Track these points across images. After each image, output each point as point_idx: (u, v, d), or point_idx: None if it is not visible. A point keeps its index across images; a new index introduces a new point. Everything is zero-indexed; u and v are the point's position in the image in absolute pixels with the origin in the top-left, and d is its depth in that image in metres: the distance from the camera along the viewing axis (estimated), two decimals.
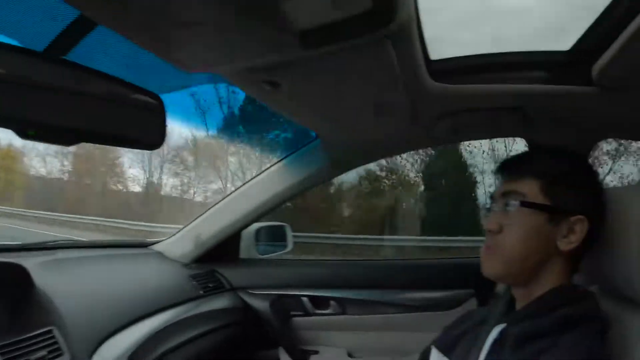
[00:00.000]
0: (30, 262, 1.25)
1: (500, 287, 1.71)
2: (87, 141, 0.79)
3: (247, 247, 2.05)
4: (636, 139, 1.59)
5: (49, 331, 1.07)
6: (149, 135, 0.87)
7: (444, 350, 1.12)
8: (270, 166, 1.83)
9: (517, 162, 1.05)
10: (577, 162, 1.04)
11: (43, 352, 1.01)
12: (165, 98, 0.88)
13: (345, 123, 1.39)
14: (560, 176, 0.97)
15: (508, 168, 1.05)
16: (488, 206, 1.06)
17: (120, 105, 0.83)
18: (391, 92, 1.13)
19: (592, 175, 1.02)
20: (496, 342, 0.95)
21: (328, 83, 1.07)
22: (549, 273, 0.95)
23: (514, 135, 1.67)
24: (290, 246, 2.23)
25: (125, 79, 0.83)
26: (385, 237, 6.50)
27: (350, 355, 1.87)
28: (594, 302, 0.93)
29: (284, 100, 1.11)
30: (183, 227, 1.96)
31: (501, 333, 0.95)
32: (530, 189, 0.95)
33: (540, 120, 1.45)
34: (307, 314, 1.91)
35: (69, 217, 10.04)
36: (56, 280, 1.26)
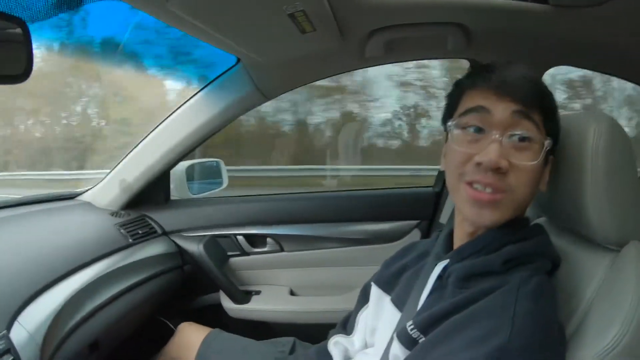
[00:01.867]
0: None
1: (444, 217, 1.69)
2: None
3: (178, 188, 1.96)
4: (590, 67, 1.51)
5: None
6: (12, 67, 0.73)
7: (383, 287, 1.08)
8: (190, 98, 1.70)
9: (531, 78, 0.83)
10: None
11: None
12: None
13: (262, 42, 1.26)
14: (556, 110, 0.86)
15: (521, 82, 0.82)
16: (473, 129, 0.84)
17: None
18: (310, 1, 1.00)
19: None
20: (439, 279, 0.90)
21: None
22: None
23: (455, 56, 1.56)
24: (225, 182, 2.15)
25: None
26: (325, 167, 6.45)
27: (292, 293, 1.85)
28: (543, 237, 0.87)
29: (186, 17, 0.97)
30: (109, 172, 1.84)
31: (444, 270, 0.89)
32: (539, 120, 0.82)
33: (486, 41, 1.36)
34: (243, 253, 1.86)
35: None
36: None
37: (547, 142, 0.82)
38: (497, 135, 0.80)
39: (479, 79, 0.85)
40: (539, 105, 0.82)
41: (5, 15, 0.71)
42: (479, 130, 0.83)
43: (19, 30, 0.73)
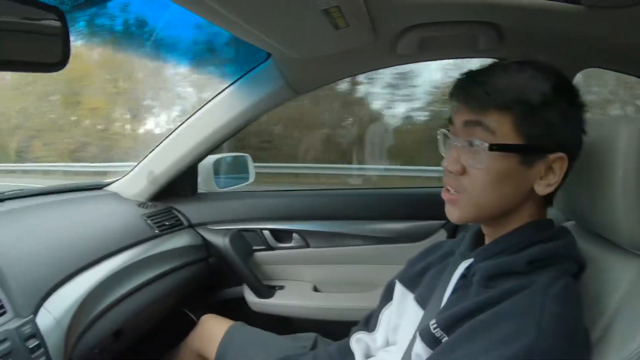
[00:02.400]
0: None
1: None
2: None
3: (205, 181, 1.97)
4: (623, 70, 1.47)
5: None
6: (50, 55, 0.75)
7: (407, 285, 1.08)
8: (220, 92, 1.71)
9: (478, 85, 0.82)
10: (559, 83, 0.82)
11: None
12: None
13: (295, 37, 1.26)
14: (536, 107, 0.79)
15: (467, 93, 0.84)
16: (445, 132, 0.91)
17: (12, 23, 0.70)
18: None
19: (572, 99, 0.84)
20: (463, 277, 0.89)
21: None
22: (523, 211, 0.86)
23: (487, 56, 1.53)
24: (252, 177, 2.16)
25: None
26: (352, 166, 6.43)
27: (316, 289, 1.84)
28: (569, 239, 0.86)
29: (217, 9, 0.97)
30: (137, 164, 1.86)
31: (468, 268, 0.89)
32: (500, 123, 0.80)
33: (519, 40, 1.33)
34: (269, 248, 1.86)
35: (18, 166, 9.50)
36: None
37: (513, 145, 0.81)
38: (454, 142, 0.86)
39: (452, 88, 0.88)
40: (495, 109, 0.80)
41: (45, 5, 0.72)
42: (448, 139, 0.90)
43: (57, 20, 0.74)
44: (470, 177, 0.83)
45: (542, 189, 0.83)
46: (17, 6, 0.68)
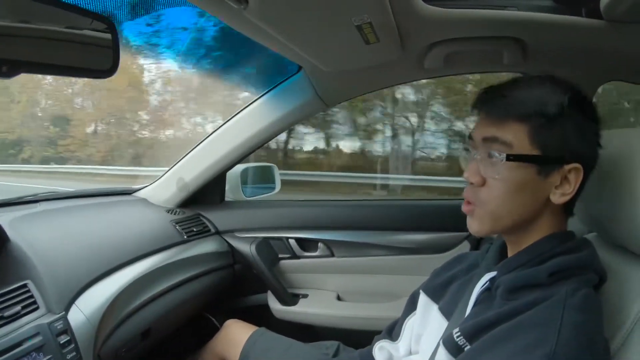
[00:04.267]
0: (7, 217, 1.23)
1: None
2: (27, 72, 0.70)
3: (233, 189, 2.00)
4: None
5: (24, 285, 1.05)
6: (100, 62, 0.79)
7: (432, 295, 1.09)
8: (251, 102, 1.74)
9: (499, 98, 0.87)
10: (574, 96, 0.85)
11: (17, 308, 0.98)
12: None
13: (327, 51, 1.29)
14: (552, 118, 0.83)
15: (488, 105, 0.89)
16: (466, 147, 0.94)
17: (66, 31, 0.75)
18: (377, 14, 1.02)
19: (588, 112, 0.87)
20: (486, 290, 0.91)
21: (301, 1, 0.96)
22: (541, 223, 0.88)
23: (512, 70, 1.56)
24: (278, 187, 2.17)
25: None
26: (377, 175, 6.44)
27: (339, 298, 1.85)
28: (591, 251, 0.87)
29: (255, 23, 1.00)
30: (166, 171, 1.90)
31: (491, 281, 0.90)
32: (517, 135, 0.84)
33: (542, 55, 1.35)
34: (294, 256, 1.88)
35: (48, 167, 9.70)
36: (33, 233, 1.22)
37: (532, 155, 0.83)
38: (475, 155, 0.89)
39: (475, 101, 0.92)
40: (515, 120, 0.84)
41: (97, 15, 0.77)
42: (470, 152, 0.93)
43: (108, 30, 0.78)
44: (489, 188, 0.86)
45: (557, 198, 0.85)
46: (72, 15, 0.73)
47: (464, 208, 0.91)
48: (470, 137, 0.92)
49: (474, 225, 0.90)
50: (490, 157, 0.85)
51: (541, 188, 0.85)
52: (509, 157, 0.83)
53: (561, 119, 0.83)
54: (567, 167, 0.84)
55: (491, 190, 0.86)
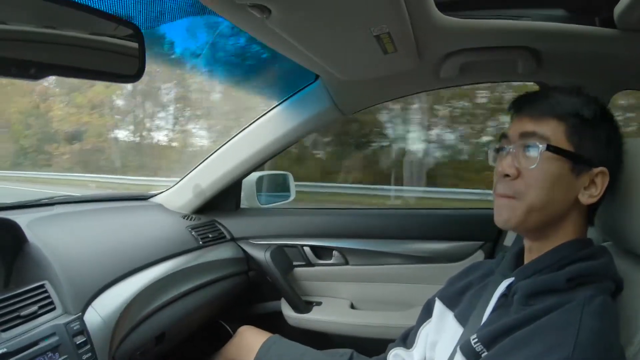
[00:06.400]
0: (25, 219, 1.24)
1: (508, 240, 1.67)
2: (55, 74, 0.72)
3: (248, 197, 2.01)
4: None
5: (41, 286, 1.06)
6: (126, 67, 0.81)
7: (448, 303, 1.09)
8: (269, 110, 1.76)
9: (539, 99, 0.92)
10: (601, 107, 0.91)
11: (34, 308, 1.00)
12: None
13: (346, 60, 1.30)
14: (586, 121, 0.87)
15: (528, 105, 0.92)
16: (498, 147, 0.96)
17: (93, 36, 0.77)
18: (396, 24, 1.03)
19: (614, 123, 0.92)
20: (503, 296, 0.91)
21: (323, 11, 0.97)
22: (566, 225, 0.90)
23: (526, 80, 1.59)
24: (292, 195, 2.18)
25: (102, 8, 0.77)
26: (391, 187, 6.42)
27: (353, 306, 1.85)
28: (608, 259, 0.88)
29: (277, 32, 1.02)
30: (182, 178, 1.92)
31: (509, 287, 0.91)
32: (555, 132, 0.87)
33: (556, 64, 1.37)
34: (309, 264, 1.88)
35: (64, 175, 9.82)
36: (51, 235, 1.24)
37: (567, 151, 0.86)
38: (510, 149, 0.91)
39: (517, 100, 0.96)
40: (554, 118, 0.88)
41: (124, 21, 0.79)
42: (503, 149, 0.94)
43: (135, 35, 0.80)
44: (525, 179, 0.87)
45: (585, 198, 0.87)
46: (99, 21, 0.75)
47: (499, 200, 0.91)
48: (504, 135, 0.94)
49: (505, 213, 0.90)
50: (527, 150, 0.88)
51: (572, 186, 0.87)
52: (549, 147, 0.85)
53: (595, 123, 0.88)
54: (595, 170, 0.87)
55: (527, 181, 0.87)
